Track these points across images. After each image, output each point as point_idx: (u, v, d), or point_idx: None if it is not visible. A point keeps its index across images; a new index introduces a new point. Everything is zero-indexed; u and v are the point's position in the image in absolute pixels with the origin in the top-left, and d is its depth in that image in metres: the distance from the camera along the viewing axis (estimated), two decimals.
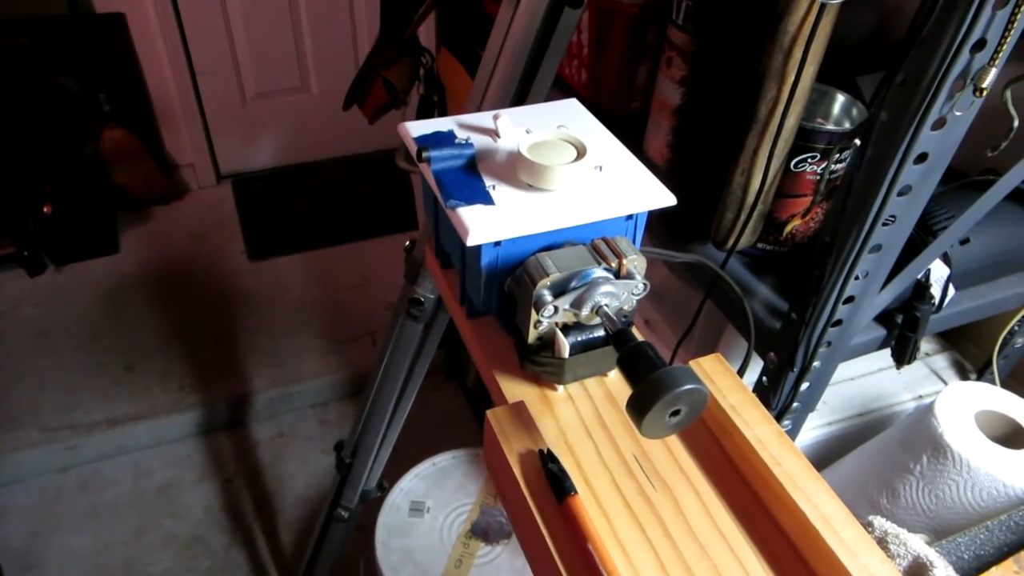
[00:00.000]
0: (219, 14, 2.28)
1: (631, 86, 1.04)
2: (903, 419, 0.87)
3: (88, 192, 2.21)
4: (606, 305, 0.42)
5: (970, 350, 1.04)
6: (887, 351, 0.81)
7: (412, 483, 1.36)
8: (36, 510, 1.72)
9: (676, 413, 0.37)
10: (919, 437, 0.79)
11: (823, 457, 0.95)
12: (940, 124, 0.57)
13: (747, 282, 0.81)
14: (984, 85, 0.53)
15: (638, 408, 0.36)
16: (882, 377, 1.01)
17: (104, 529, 1.69)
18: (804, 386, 0.77)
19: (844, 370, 1.01)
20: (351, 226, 2.39)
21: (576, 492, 0.38)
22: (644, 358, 0.38)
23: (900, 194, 0.61)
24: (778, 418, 0.78)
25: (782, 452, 0.41)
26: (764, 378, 0.78)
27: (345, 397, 1.99)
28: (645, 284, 0.44)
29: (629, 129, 0.74)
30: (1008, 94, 0.55)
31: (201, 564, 1.65)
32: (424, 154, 0.46)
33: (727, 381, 0.45)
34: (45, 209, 2.04)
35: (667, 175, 0.75)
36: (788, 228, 0.80)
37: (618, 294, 0.43)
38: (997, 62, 0.53)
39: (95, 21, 2.11)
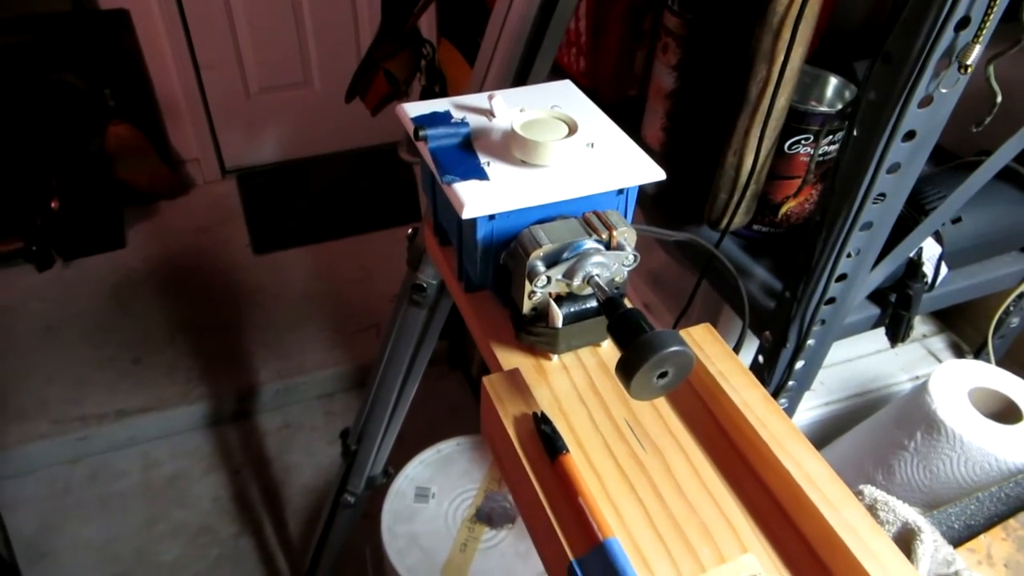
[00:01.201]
0: (222, 9, 2.30)
1: (629, 73, 1.06)
2: (898, 398, 0.89)
3: (94, 188, 2.24)
4: (597, 275, 0.44)
5: (966, 331, 1.06)
6: (884, 334, 0.82)
7: (417, 470, 1.38)
8: (47, 501, 1.74)
9: (664, 375, 0.39)
10: (914, 414, 0.81)
11: (822, 437, 0.97)
12: (927, 102, 0.58)
13: (744, 264, 0.82)
14: (969, 62, 0.55)
15: (626, 370, 0.38)
16: (879, 359, 1.02)
17: (114, 519, 1.71)
18: (799, 364, 0.78)
19: (842, 351, 1.02)
20: (355, 219, 2.41)
21: (568, 451, 0.40)
22: (633, 323, 0.40)
23: (889, 172, 0.62)
24: (774, 396, 0.79)
25: (768, 415, 0.43)
26: (760, 357, 0.80)
27: (350, 388, 2.01)
28: (635, 255, 0.45)
29: (627, 116, 0.76)
30: (991, 70, 0.57)
31: (210, 553, 1.67)
32: (421, 133, 0.47)
33: (716, 348, 0.47)
34: (52, 205, 2.06)
35: (662, 158, 0.77)
36: (783, 210, 0.81)
37: (609, 264, 0.44)
38: (981, 39, 0.54)
39: (99, 17, 2.13)
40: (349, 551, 1.42)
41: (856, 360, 1.02)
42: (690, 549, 0.38)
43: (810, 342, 0.75)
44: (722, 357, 0.46)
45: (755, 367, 0.80)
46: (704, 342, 0.47)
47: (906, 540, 0.54)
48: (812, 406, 0.97)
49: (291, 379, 1.95)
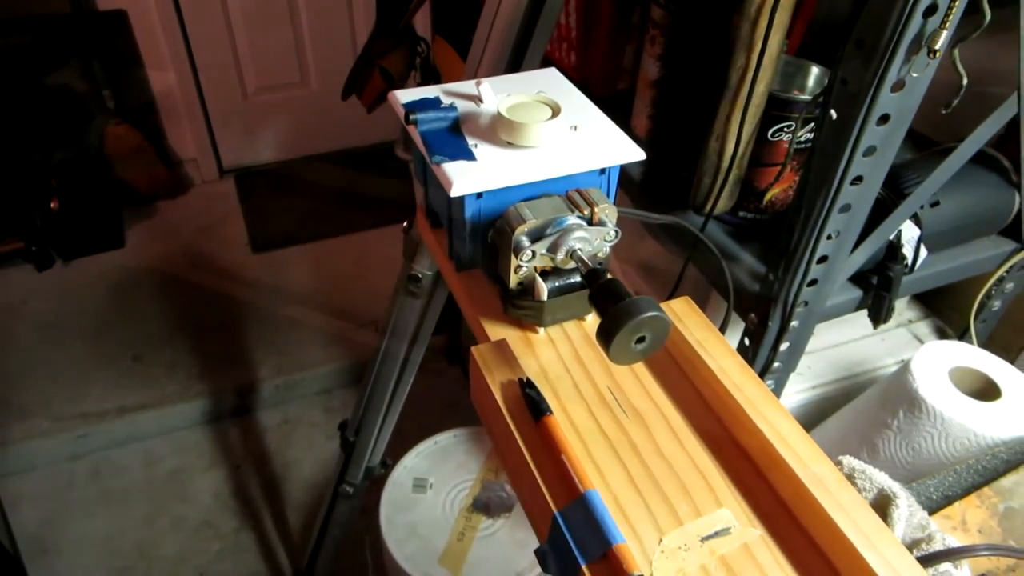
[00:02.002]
0: (219, 9, 2.32)
1: (618, 67, 1.08)
2: (882, 380, 0.91)
3: (94, 188, 2.26)
4: (580, 249, 0.46)
5: (950, 316, 1.08)
6: (874, 324, 0.85)
7: (415, 461, 1.40)
8: (49, 497, 1.76)
9: (641, 340, 0.41)
10: (896, 394, 0.83)
11: (809, 420, 0.99)
12: (899, 86, 0.60)
13: (730, 249, 0.84)
14: (937, 47, 0.57)
15: (606, 334, 0.40)
16: (866, 343, 1.05)
17: (116, 514, 1.73)
18: (784, 346, 0.81)
19: (829, 336, 1.05)
20: (352, 217, 2.43)
21: (551, 413, 0.42)
22: (612, 291, 0.42)
23: (865, 155, 0.64)
24: (760, 377, 0.82)
25: (743, 380, 0.45)
26: (746, 339, 0.82)
27: (349, 384, 2.03)
28: (616, 231, 0.48)
29: (617, 109, 0.78)
30: (956, 53, 0.59)
31: (211, 547, 1.69)
32: (411, 117, 0.50)
33: (694, 319, 0.49)
34: (52, 205, 2.08)
35: (648, 145, 0.79)
36: (768, 196, 0.83)
37: (591, 239, 0.47)
38: (948, 25, 0.56)
39: (98, 18, 2.15)
40: (348, 543, 1.45)
41: (843, 345, 1.04)
42: (668, 504, 0.41)
43: (794, 323, 0.78)
44: (700, 327, 0.49)
45: (741, 349, 0.83)
46: (683, 313, 0.50)
47: (882, 506, 0.56)
48: (800, 389, 0.99)
49: (290, 375, 1.97)
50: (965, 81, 0.59)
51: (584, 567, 0.36)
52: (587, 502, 0.37)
